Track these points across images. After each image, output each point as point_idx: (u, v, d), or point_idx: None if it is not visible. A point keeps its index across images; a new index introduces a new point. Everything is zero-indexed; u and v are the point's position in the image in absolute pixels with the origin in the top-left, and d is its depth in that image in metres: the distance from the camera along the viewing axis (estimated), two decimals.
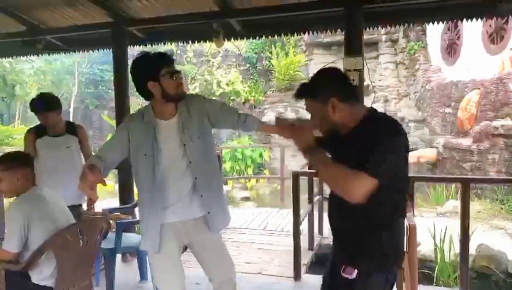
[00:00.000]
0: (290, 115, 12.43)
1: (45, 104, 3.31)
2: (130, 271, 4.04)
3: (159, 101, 2.16)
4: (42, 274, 2.35)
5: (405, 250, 2.83)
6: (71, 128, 3.48)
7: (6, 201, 4.39)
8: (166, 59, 2.13)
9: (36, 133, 3.41)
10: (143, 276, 3.84)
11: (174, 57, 2.20)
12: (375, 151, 1.58)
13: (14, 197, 2.44)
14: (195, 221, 2.24)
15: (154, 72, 2.09)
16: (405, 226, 1.90)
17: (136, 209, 4.29)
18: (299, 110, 12.42)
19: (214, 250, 2.36)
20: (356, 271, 1.70)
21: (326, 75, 1.80)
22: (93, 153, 3.18)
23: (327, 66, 1.92)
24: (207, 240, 2.30)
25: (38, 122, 3.45)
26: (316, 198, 5.14)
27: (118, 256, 4.14)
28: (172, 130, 2.18)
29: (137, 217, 4.70)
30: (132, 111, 3.47)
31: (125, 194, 4.38)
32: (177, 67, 2.23)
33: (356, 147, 1.61)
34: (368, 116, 1.73)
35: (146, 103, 2.27)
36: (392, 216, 1.74)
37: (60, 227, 2.38)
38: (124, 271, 4.06)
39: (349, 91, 1.75)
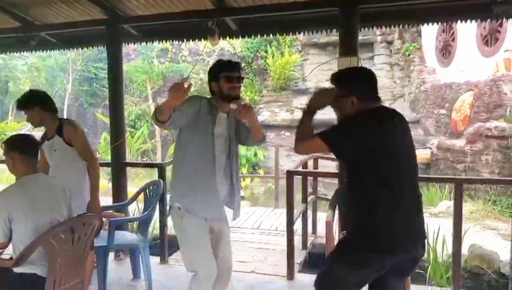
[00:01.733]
0: (284, 115, 12.46)
1: (18, 102, 3.15)
2: (123, 269, 4.03)
3: (217, 98, 2.53)
4: (25, 263, 2.34)
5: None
6: (59, 128, 3.15)
7: None
8: (227, 66, 2.53)
9: (42, 137, 3.25)
10: (135, 274, 3.83)
11: (239, 65, 2.59)
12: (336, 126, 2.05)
13: None
14: (216, 218, 2.59)
15: (216, 74, 2.51)
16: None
17: (129, 207, 4.29)
18: (294, 111, 12.45)
19: (227, 238, 2.69)
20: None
21: (358, 74, 2.19)
22: (90, 151, 3.21)
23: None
24: (225, 228, 2.68)
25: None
26: (310, 197, 5.15)
27: (111, 254, 4.13)
28: (224, 123, 2.58)
29: (130, 215, 4.71)
30: (126, 109, 3.45)
31: (118, 192, 4.36)
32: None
33: None
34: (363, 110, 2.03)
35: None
36: (372, 201, 1.97)
37: (43, 221, 2.37)
38: (117, 269, 4.04)
39: (368, 94, 2.07)
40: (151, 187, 3.74)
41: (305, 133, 2.07)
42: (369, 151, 1.94)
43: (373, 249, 1.95)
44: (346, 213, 2.28)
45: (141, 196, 3.86)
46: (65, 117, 14.09)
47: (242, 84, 2.59)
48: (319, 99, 2.16)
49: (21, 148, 2.46)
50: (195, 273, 2.48)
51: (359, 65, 3.55)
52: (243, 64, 14.08)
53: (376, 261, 1.98)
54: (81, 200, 3.06)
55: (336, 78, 2.14)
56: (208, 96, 2.60)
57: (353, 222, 2.10)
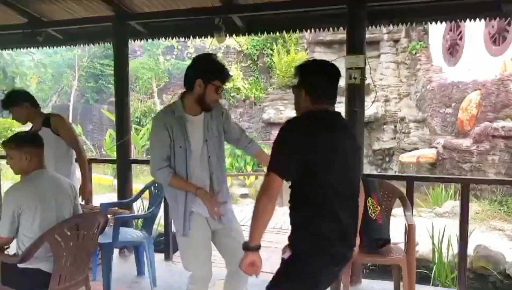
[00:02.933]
0: (290, 113, 12.42)
1: (5, 100, 3.32)
2: (127, 266, 4.03)
3: (193, 98, 2.35)
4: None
5: (404, 249, 2.85)
6: (46, 121, 3.35)
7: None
8: (224, 76, 2.36)
9: None
10: (140, 271, 3.83)
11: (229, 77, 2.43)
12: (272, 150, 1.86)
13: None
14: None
15: (209, 76, 2.30)
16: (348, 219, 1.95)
17: (134, 204, 4.30)
18: None
19: (235, 237, 2.52)
20: (289, 252, 1.94)
21: (312, 67, 2.00)
22: (76, 138, 3.45)
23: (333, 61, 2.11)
24: (227, 228, 2.53)
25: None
26: None
27: (116, 251, 4.15)
28: (199, 125, 2.40)
29: (135, 212, 4.72)
30: (131, 106, 3.46)
31: (123, 188, 4.37)
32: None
33: None
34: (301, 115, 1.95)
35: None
36: (309, 199, 1.87)
37: (50, 217, 2.39)
38: (121, 266, 4.05)
39: (320, 91, 1.92)
40: (156, 184, 3.74)
41: (259, 203, 1.84)
42: (307, 164, 1.82)
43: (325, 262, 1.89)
44: None
45: (146, 193, 3.87)
46: (70, 113, 14.02)
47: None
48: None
49: (35, 143, 2.48)
50: (191, 273, 2.49)
51: (367, 64, 3.53)
52: (248, 62, 14.10)
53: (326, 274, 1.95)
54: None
55: (297, 67, 2.00)
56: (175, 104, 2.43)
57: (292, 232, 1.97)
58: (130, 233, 3.63)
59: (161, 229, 4.53)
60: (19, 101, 3.31)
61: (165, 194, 2.57)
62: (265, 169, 2.03)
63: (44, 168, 2.51)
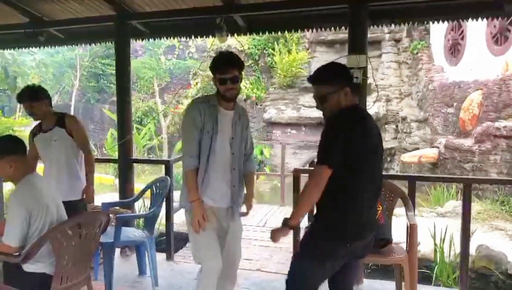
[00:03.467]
0: (291, 112, 12.42)
1: (29, 93, 3.31)
2: (129, 265, 4.04)
3: (218, 94, 2.55)
4: (33, 260, 2.34)
5: (405, 249, 2.85)
6: (61, 121, 3.35)
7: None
8: (221, 65, 2.48)
9: (32, 132, 3.44)
10: (141, 271, 3.84)
11: (234, 64, 2.50)
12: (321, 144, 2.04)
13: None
14: (228, 209, 2.61)
15: (213, 70, 2.52)
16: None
17: (136, 204, 4.30)
18: (300, 108, 12.42)
19: (236, 238, 2.71)
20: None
21: (341, 67, 2.19)
22: (88, 142, 3.48)
23: (335, 60, 2.38)
24: (235, 227, 2.69)
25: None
26: None
27: (117, 251, 4.14)
28: (228, 120, 2.56)
29: (136, 212, 4.72)
30: (133, 106, 3.47)
31: (125, 188, 4.37)
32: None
33: None
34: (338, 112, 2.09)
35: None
36: (339, 193, 2.05)
37: (51, 217, 2.38)
38: (123, 265, 4.05)
39: (353, 84, 2.17)
40: (158, 184, 3.74)
41: (306, 193, 2.05)
42: (350, 153, 2.01)
43: (338, 238, 2.08)
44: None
45: (148, 192, 3.87)
46: (72, 113, 14.03)
47: (240, 81, 2.54)
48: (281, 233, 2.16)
49: (16, 150, 2.41)
50: (201, 265, 2.54)
51: (368, 63, 3.53)
52: (250, 62, 14.08)
53: (341, 250, 2.10)
54: (79, 182, 3.37)
55: (323, 74, 2.15)
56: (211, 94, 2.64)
57: (315, 214, 2.18)
58: (132, 233, 3.63)
59: (163, 228, 4.53)
60: (41, 97, 3.30)
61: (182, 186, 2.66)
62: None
63: (31, 172, 2.47)
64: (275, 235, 2.14)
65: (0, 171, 2.39)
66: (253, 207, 2.87)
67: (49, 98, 3.38)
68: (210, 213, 2.54)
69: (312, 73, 2.21)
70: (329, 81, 2.11)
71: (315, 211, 2.19)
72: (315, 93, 2.16)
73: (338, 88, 2.08)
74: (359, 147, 2.02)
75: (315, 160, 2.10)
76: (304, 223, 2.81)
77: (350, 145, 1.98)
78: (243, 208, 2.80)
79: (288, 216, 2.12)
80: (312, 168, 2.12)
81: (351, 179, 2.03)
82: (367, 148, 2.07)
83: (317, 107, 2.18)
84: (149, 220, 3.68)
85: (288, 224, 2.09)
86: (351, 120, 2.06)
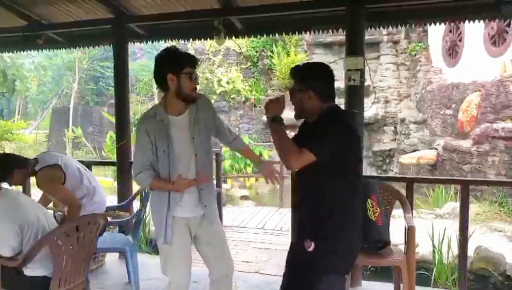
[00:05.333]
0: (289, 114, 12.42)
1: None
2: (124, 271, 3.99)
3: (172, 96, 2.28)
4: (34, 265, 2.35)
5: (404, 251, 2.85)
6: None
7: None
8: (192, 60, 2.28)
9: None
10: (130, 278, 3.58)
11: (198, 62, 2.35)
12: (317, 134, 1.98)
13: None
14: (198, 217, 2.39)
15: (177, 67, 2.22)
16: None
17: (134, 206, 4.28)
18: None
19: (216, 244, 2.47)
20: (313, 244, 2.00)
21: (317, 69, 2.15)
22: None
23: (324, 62, 2.28)
24: (209, 233, 2.44)
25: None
26: None
27: (115, 254, 4.13)
28: (184, 125, 2.32)
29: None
30: (132, 108, 3.45)
31: (123, 191, 4.36)
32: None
33: (310, 134, 2.02)
34: (326, 110, 2.06)
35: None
36: (339, 202, 2.01)
37: (43, 224, 2.41)
38: (119, 270, 4.01)
39: (326, 90, 2.09)
40: (146, 189, 3.65)
41: (290, 147, 1.99)
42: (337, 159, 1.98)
43: (344, 271, 2.07)
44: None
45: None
46: (71, 116, 13.87)
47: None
48: (276, 107, 2.12)
49: None
50: (169, 279, 2.43)
51: (366, 65, 3.54)
52: (248, 64, 14.10)
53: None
54: None
55: (294, 72, 2.14)
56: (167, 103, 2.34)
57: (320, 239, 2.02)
58: (115, 239, 3.51)
59: None
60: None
61: (150, 202, 2.52)
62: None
63: (1, 188, 2.46)
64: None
65: None
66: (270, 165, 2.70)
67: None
68: (182, 224, 2.36)
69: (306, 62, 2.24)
70: (297, 79, 2.12)
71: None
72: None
73: (302, 88, 2.08)
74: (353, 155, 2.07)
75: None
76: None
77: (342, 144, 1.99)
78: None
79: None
80: None
81: (338, 181, 2.00)
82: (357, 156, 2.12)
83: (290, 100, 2.17)
84: (136, 225, 3.56)
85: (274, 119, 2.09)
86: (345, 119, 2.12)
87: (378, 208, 2.88)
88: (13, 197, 2.44)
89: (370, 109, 10.98)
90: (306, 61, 2.55)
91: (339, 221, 2.00)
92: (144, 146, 2.31)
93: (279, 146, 2.03)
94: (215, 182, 4.91)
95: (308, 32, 4.27)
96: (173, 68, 2.22)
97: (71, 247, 2.40)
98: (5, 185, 2.64)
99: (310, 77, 2.09)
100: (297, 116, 2.17)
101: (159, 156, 2.29)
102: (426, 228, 4.50)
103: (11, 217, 2.33)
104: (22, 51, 5.52)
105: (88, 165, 4.60)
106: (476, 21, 3.74)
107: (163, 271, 2.45)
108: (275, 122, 2.08)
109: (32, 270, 2.37)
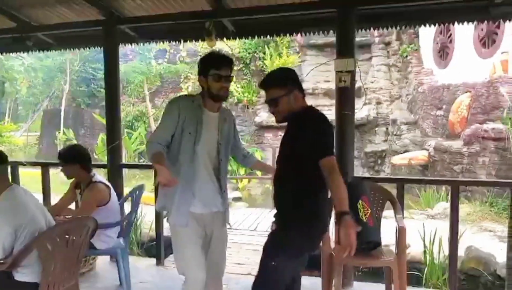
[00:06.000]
0: None
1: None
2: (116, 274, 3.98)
3: (205, 94, 2.44)
4: (25, 270, 2.32)
5: (395, 251, 2.86)
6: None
7: None
8: (217, 62, 2.39)
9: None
10: (121, 281, 3.57)
11: (231, 63, 2.46)
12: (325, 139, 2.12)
13: None
14: (214, 214, 2.51)
15: (205, 70, 2.41)
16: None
17: (125, 208, 4.25)
18: None
19: (222, 244, 2.62)
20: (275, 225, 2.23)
21: (289, 71, 2.32)
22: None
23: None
24: (220, 234, 2.58)
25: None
26: None
27: (107, 258, 4.11)
28: (214, 123, 2.47)
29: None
30: (123, 110, 3.43)
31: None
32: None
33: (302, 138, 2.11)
34: (302, 110, 2.21)
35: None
36: (314, 186, 2.12)
37: (40, 226, 2.37)
38: (111, 273, 4.00)
39: (301, 87, 2.25)
40: (137, 192, 3.64)
41: (341, 186, 2.02)
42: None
43: (310, 236, 2.16)
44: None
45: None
46: (62, 118, 13.80)
47: (232, 82, 2.50)
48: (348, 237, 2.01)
49: None
50: (185, 276, 2.47)
51: (356, 67, 3.56)
52: (240, 65, 14.10)
53: (308, 249, 2.21)
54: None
55: (268, 82, 2.26)
56: (195, 94, 2.55)
57: (285, 212, 2.21)
58: (106, 242, 3.48)
59: (153, 233, 4.50)
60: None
61: (160, 190, 2.56)
62: (258, 173, 2.21)
63: (10, 187, 2.44)
64: (350, 236, 1.89)
65: None
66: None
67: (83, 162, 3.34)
68: (195, 221, 2.42)
69: (303, 76, 2.27)
70: (278, 85, 2.20)
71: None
72: (266, 97, 2.25)
73: (288, 91, 2.17)
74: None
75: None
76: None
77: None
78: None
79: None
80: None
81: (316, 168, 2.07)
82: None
83: (270, 111, 2.26)
84: (127, 228, 3.56)
85: (347, 213, 1.94)
86: (324, 117, 2.20)
87: (369, 209, 2.90)
88: (17, 197, 2.39)
89: (362, 110, 11.03)
90: (272, 70, 2.57)
91: (302, 207, 2.13)
92: (170, 120, 2.39)
93: (343, 189, 2.00)
94: None
95: (299, 34, 4.28)
96: (202, 71, 2.42)
97: (60, 251, 2.37)
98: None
99: (289, 79, 2.23)
100: (282, 120, 2.26)
101: (183, 137, 2.38)
102: (418, 229, 4.52)
103: (7, 218, 2.29)
104: (11, 53, 5.48)
105: None
106: (466, 23, 3.78)
107: (179, 269, 2.49)
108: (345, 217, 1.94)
109: (22, 275, 2.34)
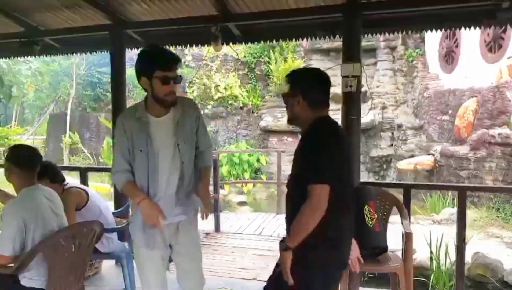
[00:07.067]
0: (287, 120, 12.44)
1: None
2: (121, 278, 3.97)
3: (150, 98, 2.18)
4: (31, 275, 2.32)
5: (401, 257, 2.84)
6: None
7: None
8: (164, 61, 2.09)
9: None
10: (126, 285, 3.55)
11: (179, 62, 2.17)
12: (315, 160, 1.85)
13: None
14: (174, 225, 2.29)
15: (148, 70, 2.10)
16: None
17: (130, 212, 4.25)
18: None
19: (189, 257, 2.37)
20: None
21: (309, 74, 2.08)
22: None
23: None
24: (182, 245, 2.33)
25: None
26: None
27: (112, 262, 4.10)
28: (166, 127, 2.19)
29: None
30: None
31: (119, 197, 4.34)
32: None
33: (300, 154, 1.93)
34: (314, 122, 1.95)
35: None
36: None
37: (50, 230, 2.36)
38: (117, 277, 4.00)
39: (317, 96, 1.98)
40: None
41: (302, 218, 1.82)
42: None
43: (337, 264, 1.95)
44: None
45: None
46: (68, 121, 13.84)
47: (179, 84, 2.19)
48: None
49: (17, 162, 2.42)
50: None
51: (363, 72, 3.55)
52: (246, 70, 14.12)
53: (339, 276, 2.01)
54: None
55: (287, 75, 2.05)
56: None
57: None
58: (111, 246, 3.45)
59: None
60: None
61: (130, 203, 2.46)
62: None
63: (32, 185, 2.45)
64: (286, 271, 1.84)
65: (6, 171, 2.43)
66: (208, 212, 2.31)
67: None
68: (156, 235, 2.23)
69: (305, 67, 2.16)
70: (289, 83, 2.02)
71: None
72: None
73: (292, 93, 1.99)
74: (337, 160, 1.90)
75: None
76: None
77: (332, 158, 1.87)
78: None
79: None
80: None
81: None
82: (343, 162, 1.94)
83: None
84: (128, 232, 3.53)
85: (287, 248, 1.84)
86: (329, 132, 1.95)
87: (375, 215, 2.88)
88: (31, 195, 2.39)
89: (367, 115, 11.00)
90: (303, 66, 2.45)
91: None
92: (120, 143, 2.21)
93: (303, 228, 1.82)
94: (211, 188, 4.89)
95: (305, 39, 4.29)
96: (145, 70, 2.10)
97: (66, 255, 2.38)
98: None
99: (301, 82, 2.01)
100: (288, 121, 2.09)
101: (136, 155, 2.17)
102: (424, 234, 4.49)
103: (18, 211, 2.30)
104: (19, 57, 5.52)
105: (85, 171, 4.61)
106: (472, 27, 3.76)
107: (140, 279, 2.37)
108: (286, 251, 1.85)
109: (28, 280, 2.34)
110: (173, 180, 2.22)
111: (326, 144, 1.87)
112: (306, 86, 1.99)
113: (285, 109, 2.10)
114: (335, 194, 1.82)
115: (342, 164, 1.92)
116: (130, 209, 3.43)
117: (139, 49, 4.75)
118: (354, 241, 1.97)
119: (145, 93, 2.24)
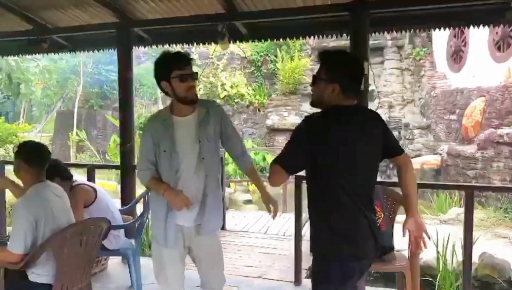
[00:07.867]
0: (293, 119, 12.43)
1: None
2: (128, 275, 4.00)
3: (173, 100, 2.30)
4: (39, 271, 2.34)
5: (407, 256, 2.83)
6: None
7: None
8: (178, 61, 2.21)
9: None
10: (132, 282, 3.58)
11: (192, 60, 2.29)
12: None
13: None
14: (194, 227, 2.34)
15: (166, 73, 2.22)
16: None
17: (137, 209, 4.28)
18: (303, 115, 12.43)
19: (210, 257, 2.44)
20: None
21: (349, 62, 1.93)
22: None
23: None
24: (204, 244, 2.39)
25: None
26: None
27: (119, 258, 4.13)
28: (189, 126, 2.28)
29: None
30: (136, 112, 3.43)
31: (126, 194, 4.37)
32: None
33: None
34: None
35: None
36: (326, 205, 1.88)
37: (59, 226, 2.38)
38: (123, 274, 4.02)
39: (352, 87, 1.90)
40: (149, 193, 3.63)
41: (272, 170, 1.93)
42: (316, 162, 1.86)
43: (352, 256, 1.90)
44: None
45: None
46: (75, 119, 13.90)
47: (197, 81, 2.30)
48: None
49: (26, 158, 2.43)
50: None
51: (370, 70, 3.53)
52: (252, 68, 14.12)
53: (357, 268, 1.95)
54: None
55: (325, 57, 1.92)
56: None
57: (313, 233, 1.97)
58: (118, 243, 3.47)
59: None
60: None
61: (150, 202, 2.54)
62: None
63: (41, 181, 2.47)
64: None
65: (15, 167, 2.46)
66: (274, 206, 2.55)
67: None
68: (178, 233, 2.31)
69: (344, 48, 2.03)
70: (326, 66, 1.89)
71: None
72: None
73: (328, 78, 1.86)
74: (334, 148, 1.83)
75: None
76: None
77: (313, 146, 1.83)
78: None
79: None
80: None
81: (321, 184, 1.89)
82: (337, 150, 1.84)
83: (311, 85, 1.98)
84: (138, 229, 3.56)
85: None
86: (320, 118, 1.88)
87: (382, 214, 2.87)
88: (40, 191, 2.40)
89: None
90: (339, 48, 2.34)
91: (319, 212, 1.93)
92: (145, 145, 2.33)
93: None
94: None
95: (312, 37, 4.28)
96: (164, 75, 2.23)
97: (74, 251, 2.40)
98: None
99: (341, 70, 1.86)
100: (313, 104, 1.98)
101: (160, 155, 2.27)
102: (430, 234, 4.47)
103: (29, 207, 2.31)
104: (27, 55, 5.55)
105: (92, 168, 4.64)
106: (481, 26, 3.73)
107: (156, 276, 2.43)
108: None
109: (36, 276, 2.35)
110: (197, 178, 2.29)
111: (300, 127, 1.89)
112: (345, 77, 1.86)
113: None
114: (331, 183, 1.85)
115: (345, 154, 1.84)
116: (143, 208, 3.55)
117: (146, 48, 4.80)
118: (414, 220, 2.02)
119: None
